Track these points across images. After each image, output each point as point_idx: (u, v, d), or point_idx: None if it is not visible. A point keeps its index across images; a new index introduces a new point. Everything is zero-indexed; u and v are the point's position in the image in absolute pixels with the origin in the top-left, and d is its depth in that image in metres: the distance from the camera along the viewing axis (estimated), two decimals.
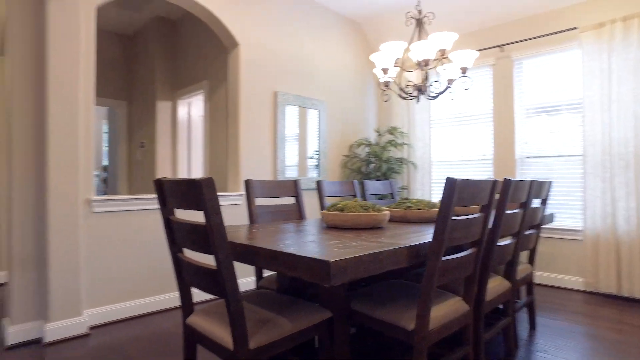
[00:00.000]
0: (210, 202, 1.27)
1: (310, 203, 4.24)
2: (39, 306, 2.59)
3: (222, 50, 4.40)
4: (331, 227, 1.96)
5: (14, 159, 2.55)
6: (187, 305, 1.63)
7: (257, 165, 3.85)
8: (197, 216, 3.19)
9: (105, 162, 6.67)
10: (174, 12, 5.04)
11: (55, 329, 2.54)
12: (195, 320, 1.57)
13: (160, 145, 5.19)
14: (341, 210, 1.94)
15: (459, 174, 4.47)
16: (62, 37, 2.63)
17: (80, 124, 2.71)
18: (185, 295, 1.63)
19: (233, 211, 3.62)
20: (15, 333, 2.50)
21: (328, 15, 4.58)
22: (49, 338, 2.51)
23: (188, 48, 5.09)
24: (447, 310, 1.62)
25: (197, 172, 5.26)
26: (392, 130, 4.64)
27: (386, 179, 4.39)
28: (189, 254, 2.64)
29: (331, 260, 1.12)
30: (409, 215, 2.16)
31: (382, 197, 4.05)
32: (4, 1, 2.99)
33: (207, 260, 3.06)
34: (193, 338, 1.58)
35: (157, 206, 3.11)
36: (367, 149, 4.79)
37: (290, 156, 4.16)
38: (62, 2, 2.61)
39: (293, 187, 2.69)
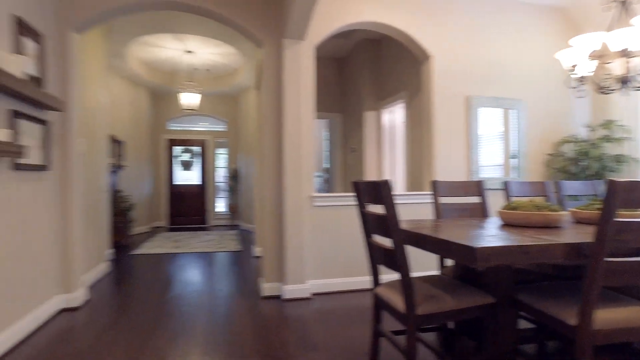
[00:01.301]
0: (386, 198, 1.70)
1: (501, 203, 4.17)
2: (280, 272, 3.57)
3: (418, 62, 4.78)
4: (506, 224, 2.11)
5: (264, 168, 3.60)
6: (376, 279, 2.11)
7: (450, 166, 4.08)
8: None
9: (326, 165, 7.97)
10: (376, 33, 5.71)
11: (289, 290, 3.46)
12: (380, 290, 2.03)
13: (368, 149, 5.97)
14: (514, 209, 2.06)
15: None
16: (291, 74, 3.55)
17: (303, 138, 3.58)
18: (374, 271, 2.11)
19: (425, 208, 3.96)
20: (267, 288, 3.54)
21: (522, 9, 4.38)
22: (285, 296, 3.45)
23: (389, 62, 5.69)
24: (625, 315, 1.58)
25: (399, 173, 5.78)
26: (607, 125, 4.07)
27: (599, 178, 3.90)
28: (377, 238, 3.15)
29: (476, 247, 1.39)
30: (596, 217, 2.07)
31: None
32: (260, 52, 4.12)
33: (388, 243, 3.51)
34: (378, 304, 2.05)
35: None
36: (575, 147, 4.33)
37: (486, 157, 4.20)
38: (292, 49, 3.54)
39: (477, 187, 2.86)
